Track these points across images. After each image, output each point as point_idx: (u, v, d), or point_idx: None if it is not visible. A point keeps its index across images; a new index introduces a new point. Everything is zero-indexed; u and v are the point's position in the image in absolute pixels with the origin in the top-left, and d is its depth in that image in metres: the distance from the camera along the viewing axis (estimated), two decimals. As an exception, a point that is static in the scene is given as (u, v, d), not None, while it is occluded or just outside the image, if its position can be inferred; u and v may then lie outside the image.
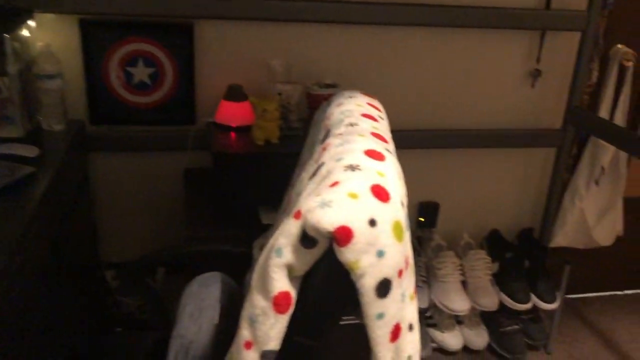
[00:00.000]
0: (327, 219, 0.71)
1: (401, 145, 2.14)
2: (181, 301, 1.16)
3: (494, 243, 2.26)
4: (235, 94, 1.77)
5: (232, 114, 1.78)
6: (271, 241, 0.78)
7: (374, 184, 0.77)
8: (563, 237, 2.33)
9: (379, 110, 1.07)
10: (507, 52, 2.06)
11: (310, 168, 0.90)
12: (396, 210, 0.77)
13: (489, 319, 2.22)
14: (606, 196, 2.31)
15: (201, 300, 1.12)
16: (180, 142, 1.89)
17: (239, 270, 1.34)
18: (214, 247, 1.46)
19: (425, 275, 2.12)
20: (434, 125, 2.10)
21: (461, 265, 2.14)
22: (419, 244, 2.22)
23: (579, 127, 2.15)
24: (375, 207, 0.75)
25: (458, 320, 2.21)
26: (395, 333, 0.80)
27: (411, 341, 0.85)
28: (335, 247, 0.73)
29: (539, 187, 2.32)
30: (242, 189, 1.65)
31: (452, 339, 2.16)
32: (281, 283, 0.76)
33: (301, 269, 0.77)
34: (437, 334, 2.18)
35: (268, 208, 1.62)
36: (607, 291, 2.64)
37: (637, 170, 2.38)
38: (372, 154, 0.84)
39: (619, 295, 2.64)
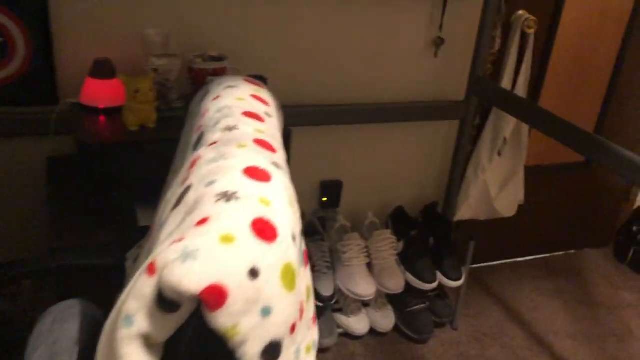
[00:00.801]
0: (191, 277, 0.53)
1: (300, 123, 1.98)
2: (30, 342, 0.93)
3: (398, 220, 2.17)
4: (101, 69, 1.50)
5: (99, 93, 1.51)
6: (119, 301, 0.59)
7: (255, 218, 0.59)
8: (466, 210, 2.28)
9: (266, 104, 0.88)
10: (408, 20, 1.92)
11: (176, 190, 0.70)
12: (285, 249, 0.60)
13: (395, 299, 2.14)
14: (508, 166, 2.28)
15: (54, 343, 0.90)
16: (41, 126, 1.60)
17: (112, 287, 1.13)
18: (81, 260, 1.22)
19: (330, 260, 1.99)
20: (333, 100, 1.93)
21: (366, 247, 2.02)
22: (322, 226, 2.08)
23: (482, 98, 2.07)
24: (257, 252, 0.57)
25: (364, 303, 2.11)
26: (290, 399, 0.64)
27: (310, 399, 0.69)
28: (205, 311, 0.54)
29: (443, 160, 2.24)
30: (115, 183, 1.41)
31: (358, 324, 2.06)
32: (134, 358, 0.57)
33: (161, 337, 0.58)
34: (342, 319, 2.07)
35: (147, 206, 1.39)
36: (509, 259, 2.66)
37: (537, 139, 2.36)
38: (254, 174, 0.65)
39: (521, 262, 2.66)
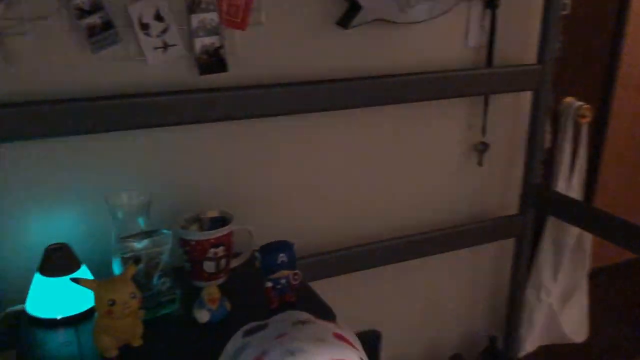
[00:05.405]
0: None
1: (323, 274, 1.53)
2: None
3: (457, 372, 1.71)
4: (56, 263, 1.04)
5: (54, 297, 1.04)
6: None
7: None
8: (532, 341, 1.83)
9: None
10: (444, 130, 1.53)
11: None
12: None
13: None
14: (570, 278, 1.86)
15: None
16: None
17: None
18: None
19: None
20: (363, 238, 1.49)
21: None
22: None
23: (541, 210, 1.67)
24: None
25: None
26: None
27: None
28: None
29: (495, 286, 1.81)
30: None
31: None
32: None
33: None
34: None
35: None
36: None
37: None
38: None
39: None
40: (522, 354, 1.83)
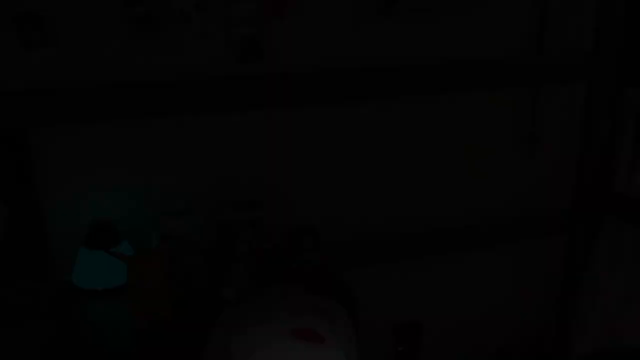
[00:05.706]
0: None
1: (363, 262, 1.54)
2: None
3: (500, 369, 1.67)
4: (100, 236, 1.12)
5: (97, 269, 1.12)
6: None
7: None
8: (585, 343, 1.76)
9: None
10: (492, 119, 1.49)
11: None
12: None
13: None
14: (630, 278, 1.77)
15: None
16: (26, 312, 1.21)
17: None
18: None
19: None
20: (406, 227, 1.49)
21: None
22: (402, 387, 1.60)
23: (597, 207, 1.60)
24: None
25: None
26: None
27: None
28: None
29: (546, 284, 1.74)
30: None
31: None
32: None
33: None
34: None
35: None
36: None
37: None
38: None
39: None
40: (573, 355, 1.76)
